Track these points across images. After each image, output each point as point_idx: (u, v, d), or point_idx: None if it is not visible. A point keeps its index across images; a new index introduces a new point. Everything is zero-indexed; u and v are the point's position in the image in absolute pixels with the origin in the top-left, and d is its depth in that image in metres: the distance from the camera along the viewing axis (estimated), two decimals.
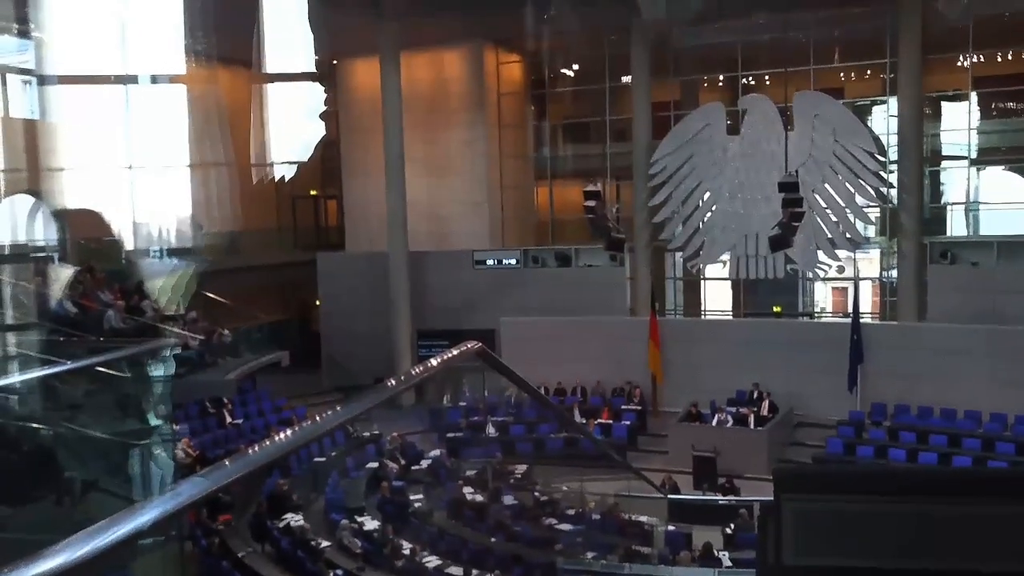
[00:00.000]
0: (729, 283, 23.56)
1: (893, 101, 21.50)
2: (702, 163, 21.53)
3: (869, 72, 23.23)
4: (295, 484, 14.62)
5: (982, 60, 21.53)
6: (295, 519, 13.17)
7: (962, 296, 19.05)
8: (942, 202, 22.80)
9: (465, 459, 17.63)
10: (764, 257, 20.80)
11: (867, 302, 22.54)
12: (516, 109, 25.75)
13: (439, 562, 12.02)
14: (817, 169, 20.46)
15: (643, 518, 14.46)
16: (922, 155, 21.03)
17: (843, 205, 20.54)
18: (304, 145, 26.79)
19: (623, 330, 21.20)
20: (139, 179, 20.28)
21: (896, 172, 20.93)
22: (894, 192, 21.02)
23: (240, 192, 22.80)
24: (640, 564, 12.10)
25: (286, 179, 26.14)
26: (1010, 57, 21.89)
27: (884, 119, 22.06)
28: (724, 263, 22.45)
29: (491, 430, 19.19)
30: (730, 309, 24.11)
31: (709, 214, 21.73)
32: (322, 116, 25.85)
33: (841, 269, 21.96)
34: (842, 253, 21.12)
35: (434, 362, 5.09)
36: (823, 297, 25.29)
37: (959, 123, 21.99)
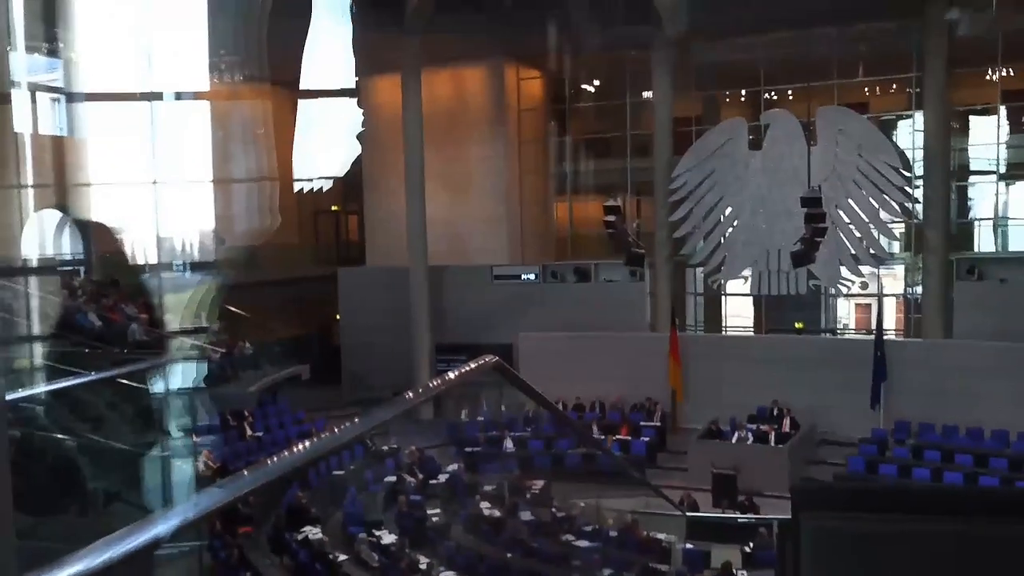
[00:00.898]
0: (750, 299, 23.42)
1: (919, 115, 21.33)
2: (724, 178, 21.46)
3: (894, 86, 23.08)
4: (314, 497, 14.64)
5: (1011, 74, 21.33)
6: (313, 532, 13.18)
7: (989, 313, 18.80)
8: (969, 217, 22.56)
9: (483, 474, 17.58)
10: (786, 273, 20.66)
11: (891, 319, 22.32)
12: (536, 125, 25.81)
13: None
14: (840, 184, 20.33)
15: (661, 535, 14.35)
16: (949, 170, 20.82)
17: (867, 220, 20.38)
18: (331, 161, 27.06)
19: (643, 346, 21.11)
20: (164, 194, 20.51)
21: (922, 187, 20.72)
22: (919, 207, 20.83)
23: (262, 207, 23.01)
24: None
25: (310, 193, 26.37)
26: None
27: (909, 134, 21.88)
28: (745, 279, 22.32)
29: (509, 445, 19.14)
30: (751, 325, 23.95)
31: (731, 229, 21.64)
32: (359, 137, 26.10)
33: (864, 285, 21.76)
34: (866, 269, 20.93)
35: (452, 376, 5.09)
36: (846, 313, 25.07)
37: (987, 137, 21.75)
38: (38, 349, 10.44)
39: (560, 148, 25.85)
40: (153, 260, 20.29)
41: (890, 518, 1.97)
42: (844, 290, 21.44)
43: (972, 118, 22.34)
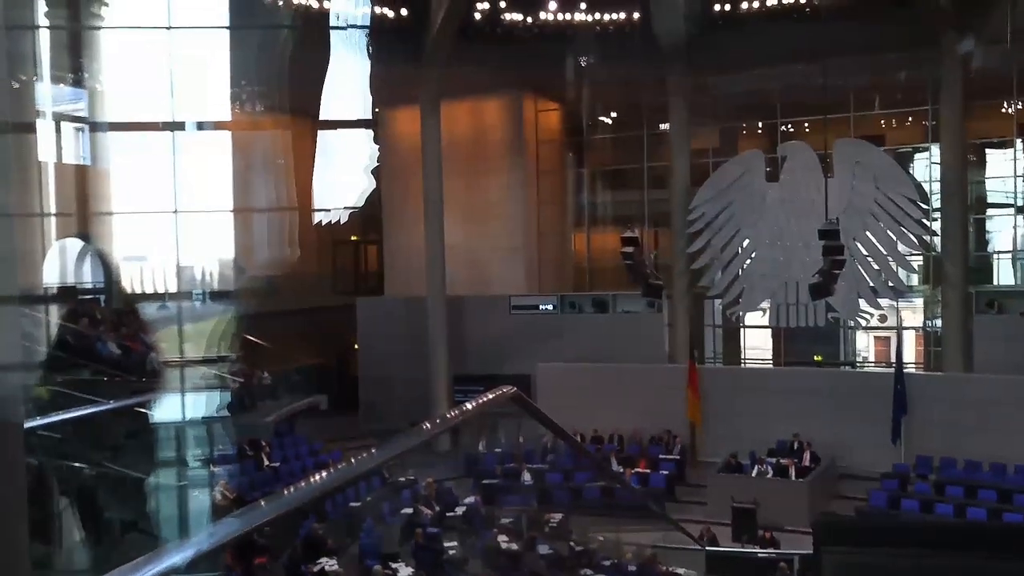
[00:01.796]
0: (769, 331, 23.28)
1: (935, 148, 21.29)
2: (741, 210, 21.45)
3: (910, 119, 23.06)
4: (330, 528, 14.57)
5: None
6: (329, 564, 13.10)
7: (1010, 346, 18.59)
8: (988, 250, 22.41)
9: (500, 506, 17.46)
10: (804, 305, 20.54)
11: (911, 352, 22.11)
12: (554, 156, 25.95)
13: None
14: (858, 216, 20.26)
15: (680, 570, 14.18)
16: (966, 203, 20.74)
17: (885, 253, 20.28)
18: (349, 192, 27.26)
19: (661, 378, 21.00)
20: (185, 223, 20.71)
21: (939, 220, 20.64)
22: (937, 240, 20.72)
23: (282, 237, 23.18)
24: None
25: (329, 224, 26.54)
26: None
27: (926, 166, 21.85)
28: (764, 311, 22.21)
29: (527, 477, 19.01)
30: (770, 357, 23.79)
31: (749, 261, 21.58)
32: (374, 172, 26.33)
33: (883, 318, 21.60)
34: (884, 302, 20.79)
35: (469, 406, 5.07)
36: (865, 346, 24.86)
37: (1005, 170, 21.68)
38: (57, 377, 10.53)
39: (578, 179, 25.97)
40: (173, 289, 20.44)
41: (912, 553, 1.95)
42: (863, 323, 21.29)
43: (989, 151, 22.29)
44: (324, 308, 26.07)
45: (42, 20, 18.12)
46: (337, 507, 15.53)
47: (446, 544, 14.80)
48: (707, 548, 15.12)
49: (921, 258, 21.56)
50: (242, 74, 20.99)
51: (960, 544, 2.02)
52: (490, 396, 5.24)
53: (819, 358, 23.48)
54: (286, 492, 3.48)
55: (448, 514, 16.44)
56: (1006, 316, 19.34)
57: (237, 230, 22.41)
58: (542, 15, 22.00)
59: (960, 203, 20.31)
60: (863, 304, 20.57)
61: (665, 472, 19.06)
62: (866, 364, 24.42)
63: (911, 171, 21.72)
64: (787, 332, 22.46)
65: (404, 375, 23.40)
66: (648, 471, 19.06)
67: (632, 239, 17.68)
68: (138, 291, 19.66)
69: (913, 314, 22.57)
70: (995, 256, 22.28)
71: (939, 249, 20.72)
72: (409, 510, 16.19)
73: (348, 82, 23.50)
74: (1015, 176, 21.41)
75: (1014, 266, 21.88)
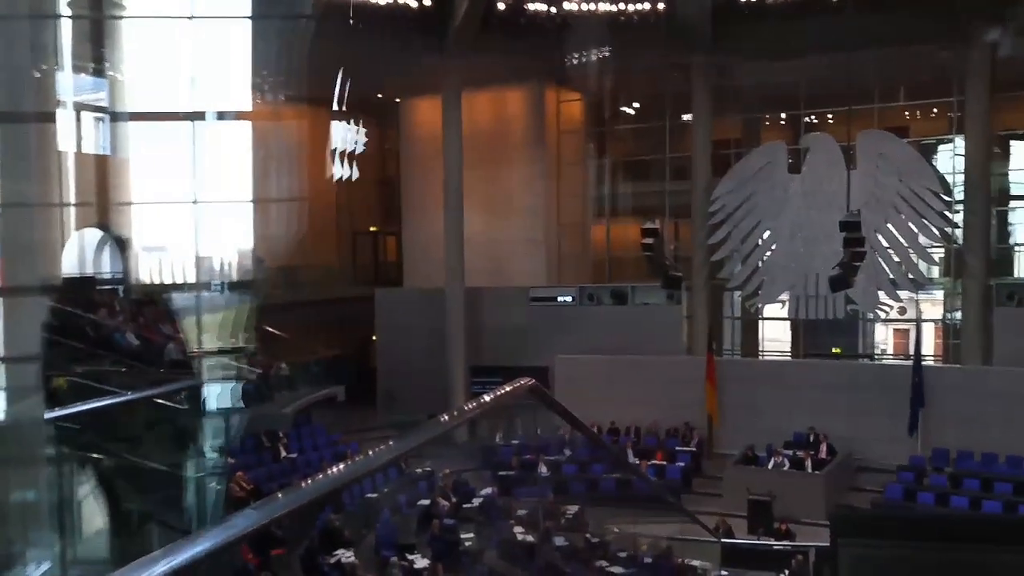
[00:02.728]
0: (788, 323, 23.16)
1: (960, 140, 21.05)
2: (763, 202, 21.31)
3: (935, 111, 22.83)
4: (347, 519, 14.64)
5: None
6: (346, 555, 13.16)
7: None
8: (1010, 243, 22.17)
9: (517, 498, 17.49)
10: (824, 297, 20.40)
11: (930, 344, 21.95)
12: (576, 147, 25.86)
13: None
14: (880, 209, 20.08)
15: (696, 562, 14.18)
16: (990, 195, 20.51)
17: (906, 245, 20.11)
18: (364, 182, 27.30)
19: (679, 370, 20.94)
20: (204, 213, 20.79)
21: (962, 212, 20.42)
22: (959, 232, 20.51)
23: (301, 228, 23.21)
24: None
25: (348, 214, 26.60)
26: None
27: (950, 158, 21.61)
28: (783, 303, 22.09)
29: (543, 469, 19.03)
30: (788, 350, 23.66)
31: (769, 253, 21.45)
32: (350, 157, 26.24)
33: (903, 310, 21.45)
34: (904, 294, 20.63)
35: (487, 398, 5.06)
36: (884, 338, 24.71)
37: None
38: (76, 368, 10.60)
39: (599, 170, 25.87)
40: (192, 279, 20.54)
41: (929, 546, 1.94)
42: (882, 315, 21.15)
43: (1013, 142, 22.03)
44: (343, 299, 26.13)
45: (64, 10, 18.21)
46: (354, 498, 15.59)
47: (462, 535, 14.85)
48: (723, 540, 15.10)
49: (942, 250, 21.37)
50: (263, 63, 21.00)
51: (977, 537, 2.01)
52: (508, 389, 5.23)
53: (838, 350, 23.38)
54: (303, 484, 3.48)
55: (465, 505, 16.48)
56: None
57: (256, 221, 22.46)
58: (565, 5, 21.89)
59: (983, 195, 20.09)
60: (882, 296, 20.42)
61: (682, 464, 19.04)
62: (885, 356, 24.28)
63: (935, 163, 21.50)
64: (806, 324, 22.36)
65: (422, 367, 23.45)
66: (665, 463, 19.04)
67: (652, 231, 17.60)
68: (157, 281, 19.76)
69: (932, 307, 22.41)
70: (1017, 248, 22.04)
71: (961, 241, 20.53)
72: (426, 501, 16.25)
73: (370, 72, 23.45)
74: None
75: None
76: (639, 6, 21.73)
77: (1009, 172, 21.96)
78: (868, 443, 18.70)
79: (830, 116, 22.91)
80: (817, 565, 13.42)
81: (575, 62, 23.02)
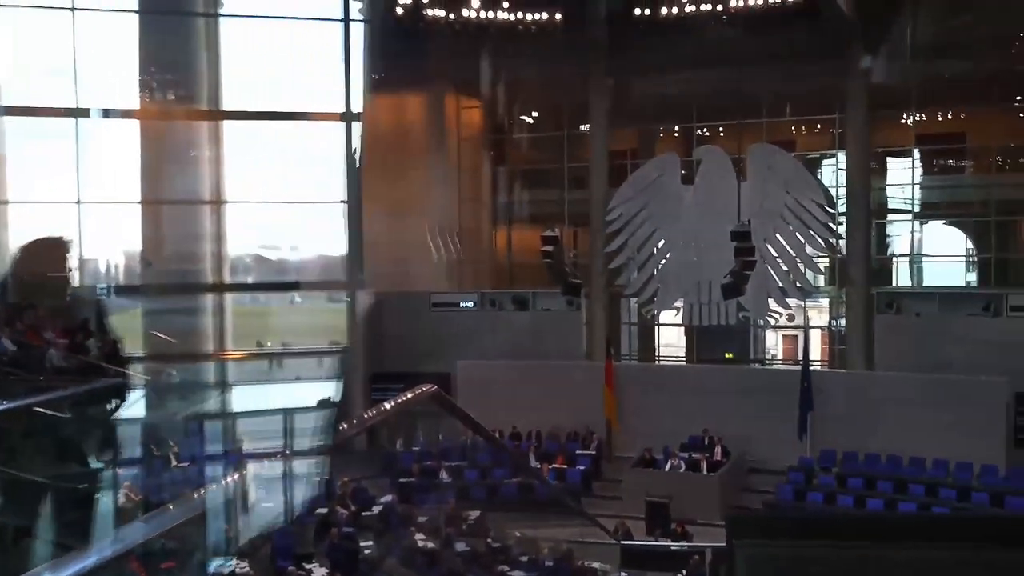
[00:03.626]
0: (683, 329, 23.76)
1: (842, 155, 22.10)
2: (657, 211, 21.79)
3: (819, 126, 23.87)
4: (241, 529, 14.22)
5: (923, 119, 22.33)
6: (241, 566, 12.80)
7: (907, 345, 19.39)
8: (888, 254, 23.37)
9: (417, 505, 17.35)
10: (717, 304, 21.02)
11: (817, 350, 22.89)
12: (475, 153, 25.91)
13: None
14: (769, 219, 20.82)
15: (596, 564, 14.35)
16: (869, 208, 21.59)
17: (793, 255, 20.90)
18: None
19: (579, 375, 21.18)
20: (89, 214, 19.91)
21: (845, 224, 21.45)
22: (843, 243, 21.50)
23: (194, 230, 22.46)
24: None
25: None
26: (949, 116, 22.77)
27: (833, 172, 22.66)
28: (678, 310, 22.66)
29: (444, 475, 18.95)
30: (684, 355, 24.27)
31: (664, 261, 21.96)
32: None
33: (791, 317, 22.29)
34: (792, 302, 21.45)
35: (388, 406, 5.03)
36: (774, 344, 25.62)
37: (903, 178, 22.67)
38: None
39: (499, 177, 25.98)
40: (75, 283, 19.64)
41: (821, 544, 2.02)
42: (772, 322, 21.93)
43: (890, 159, 23.26)
44: None
45: None
46: (249, 507, 15.16)
47: (362, 543, 14.64)
48: (621, 542, 15.34)
49: (827, 260, 22.34)
50: (151, 59, 20.27)
51: (863, 534, 2.11)
52: (410, 396, 5.21)
53: (730, 356, 24.09)
54: (196, 495, 3.38)
55: (364, 513, 16.25)
56: (904, 316, 20.15)
57: (145, 222, 21.63)
58: (464, 12, 21.92)
59: (863, 208, 21.15)
60: (772, 304, 21.17)
61: (582, 468, 19.25)
62: (775, 362, 25.18)
63: (819, 176, 22.47)
64: (700, 330, 22.96)
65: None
66: (565, 467, 19.22)
67: (552, 238, 17.82)
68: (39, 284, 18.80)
69: (819, 314, 23.38)
70: (894, 259, 23.26)
71: (844, 252, 21.53)
72: (324, 509, 15.95)
73: (269, 73, 22.94)
74: (912, 184, 22.43)
75: (911, 269, 22.93)
76: (538, 16, 21.96)
77: (886, 187, 23.16)
78: (760, 445, 19.27)
79: (721, 129, 23.67)
80: (713, 565, 13.74)
81: (474, 70, 23.07)
